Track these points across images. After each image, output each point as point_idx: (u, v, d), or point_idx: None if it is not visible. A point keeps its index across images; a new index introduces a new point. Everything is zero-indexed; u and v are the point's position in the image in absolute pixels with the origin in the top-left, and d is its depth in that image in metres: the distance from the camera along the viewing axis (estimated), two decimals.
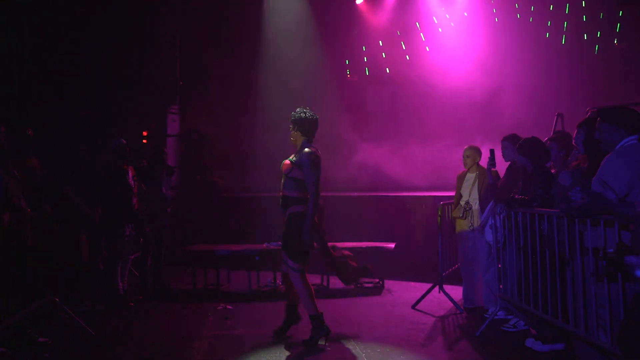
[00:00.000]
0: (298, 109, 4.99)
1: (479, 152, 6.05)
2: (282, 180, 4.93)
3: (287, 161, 4.91)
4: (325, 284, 7.29)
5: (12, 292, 4.56)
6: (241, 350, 4.76)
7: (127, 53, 10.90)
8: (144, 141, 11.36)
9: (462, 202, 5.98)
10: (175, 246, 8.09)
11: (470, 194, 5.91)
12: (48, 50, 9.65)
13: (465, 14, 12.63)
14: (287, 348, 4.79)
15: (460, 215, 5.97)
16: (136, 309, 6.32)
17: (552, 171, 4.78)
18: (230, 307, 6.30)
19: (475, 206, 5.87)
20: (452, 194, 6.33)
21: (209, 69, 12.29)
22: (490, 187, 5.59)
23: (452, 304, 6.06)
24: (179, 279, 7.83)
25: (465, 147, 6.12)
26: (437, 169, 10.73)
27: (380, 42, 13.36)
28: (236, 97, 12.65)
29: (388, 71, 13.46)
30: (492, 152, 5.63)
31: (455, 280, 6.44)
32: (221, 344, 4.95)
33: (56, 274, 5.28)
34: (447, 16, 12.76)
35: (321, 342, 4.80)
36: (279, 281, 7.27)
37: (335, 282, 7.39)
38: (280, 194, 4.95)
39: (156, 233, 7.12)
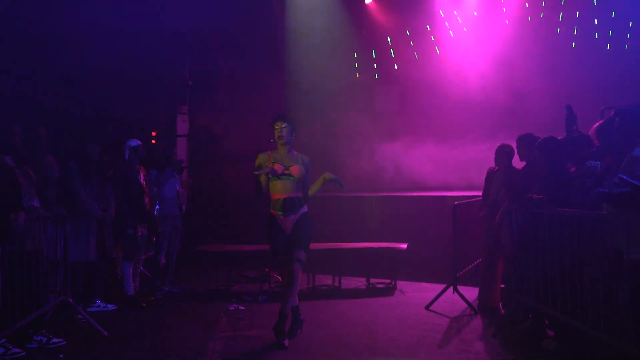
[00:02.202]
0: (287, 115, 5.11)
1: (511, 151, 5.96)
2: (289, 182, 5.00)
3: (297, 166, 5.02)
4: (336, 284, 7.25)
5: (26, 292, 4.55)
6: (256, 351, 4.73)
7: (137, 53, 10.90)
8: (153, 142, 11.36)
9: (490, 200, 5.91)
10: (185, 246, 8.08)
11: (499, 192, 5.84)
12: (57, 49, 9.66)
13: (475, 13, 12.54)
14: (299, 348, 4.77)
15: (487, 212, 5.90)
16: (148, 309, 6.31)
17: (572, 170, 4.74)
18: (242, 308, 6.28)
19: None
20: (466, 194, 6.28)
21: (218, 69, 12.27)
22: (506, 187, 5.55)
23: (466, 305, 6.00)
24: (190, 279, 7.82)
25: (498, 146, 6.03)
26: (452, 169, 10.65)
27: (389, 40, 13.30)
28: (246, 97, 12.63)
29: (396, 67, 13.35)
30: (508, 154, 5.62)
31: (469, 282, 6.38)
32: (235, 344, 4.93)
33: (69, 274, 5.28)
34: (460, 20, 12.67)
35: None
36: None
37: (347, 283, 7.35)
38: (290, 195, 4.99)
39: (169, 233, 7.10)
